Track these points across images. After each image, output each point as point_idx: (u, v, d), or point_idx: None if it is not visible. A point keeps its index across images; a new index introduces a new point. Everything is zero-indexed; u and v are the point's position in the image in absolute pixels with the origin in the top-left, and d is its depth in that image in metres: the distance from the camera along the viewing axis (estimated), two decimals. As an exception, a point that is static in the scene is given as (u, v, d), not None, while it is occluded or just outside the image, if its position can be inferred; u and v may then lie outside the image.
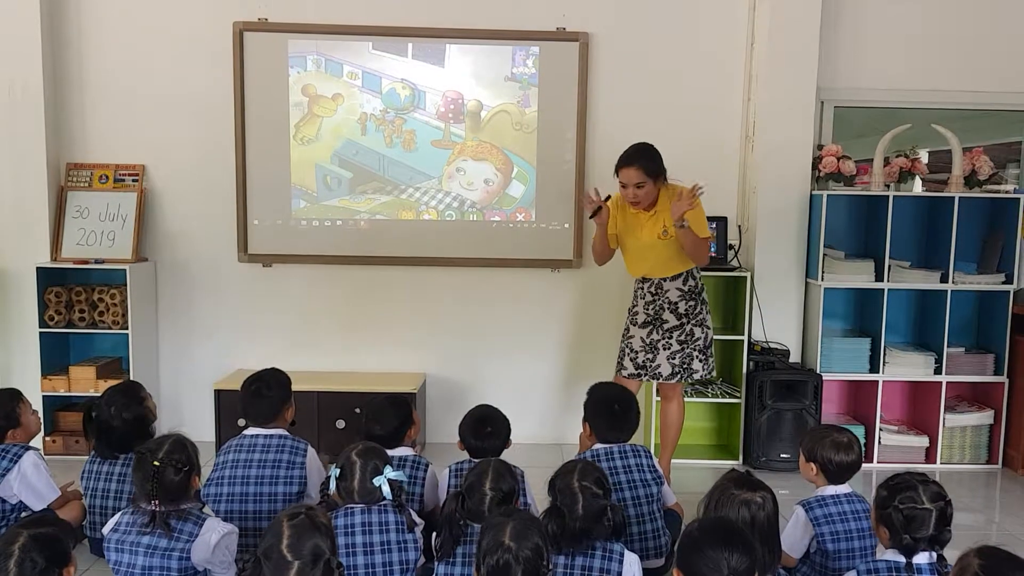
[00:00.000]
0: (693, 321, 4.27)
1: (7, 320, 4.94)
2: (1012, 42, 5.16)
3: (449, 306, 5.23)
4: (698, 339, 4.28)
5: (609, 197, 4.26)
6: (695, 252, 4.15)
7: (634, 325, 4.37)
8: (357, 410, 4.77)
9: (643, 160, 4.07)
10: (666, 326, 4.27)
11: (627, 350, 4.38)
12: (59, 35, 4.95)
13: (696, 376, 4.31)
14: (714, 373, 4.46)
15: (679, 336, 4.26)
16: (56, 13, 4.93)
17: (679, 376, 4.29)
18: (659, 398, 4.62)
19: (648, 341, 4.31)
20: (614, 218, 4.26)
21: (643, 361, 4.33)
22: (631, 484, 3.24)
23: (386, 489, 2.70)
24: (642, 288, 4.35)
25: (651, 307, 4.30)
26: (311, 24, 4.95)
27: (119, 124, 5.04)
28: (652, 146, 4.16)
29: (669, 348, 4.27)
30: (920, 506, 2.46)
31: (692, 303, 4.26)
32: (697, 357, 4.29)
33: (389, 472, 2.73)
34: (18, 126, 4.84)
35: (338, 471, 2.76)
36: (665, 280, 4.26)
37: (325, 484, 2.79)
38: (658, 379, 4.33)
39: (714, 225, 4.95)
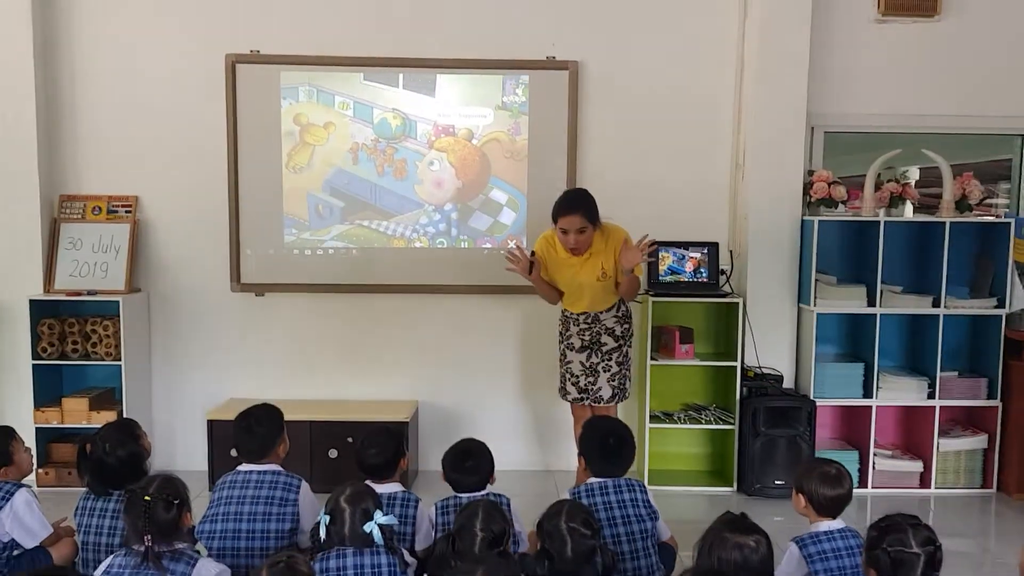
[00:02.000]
0: (627, 343, 4.48)
1: (0, 352, 4.93)
2: (999, 67, 5.19)
3: (441, 334, 5.24)
4: (630, 360, 4.52)
5: (533, 253, 4.45)
6: (629, 292, 4.43)
7: (571, 350, 4.52)
8: (350, 439, 4.77)
9: (585, 207, 4.25)
10: (605, 348, 4.44)
11: (567, 375, 4.54)
12: (52, 67, 4.97)
13: (627, 397, 4.52)
14: None
15: (618, 357, 4.45)
16: (49, 46, 4.95)
17: (617, 398, 4.47)
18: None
19: (588, 364, 4.47)
20: (544, 264, 4.44)
21: (585, 384, 4.48)
22: (625, 519, 3.21)
23: (377, 535, 2.69)
24: (575, 316, 4.51)
25: (586, 333, 4.47)
26: (303, 56, 4.98)
27: (112, 155, 5.05)
28: (588, 192, 4.37)
29: (609, 370, 4.44)
30: (908, 550, 2.45)
31: (626, 326, 4.49)
32: (628, 377, 4.51)
33: (380, 517, 2.72)
34: (11, 159, 4.86)
35: (328, 517, 2.75)
36: (601, 312, 4.45)
37: (316, 530, 2.77)
38: (599, 403, 4.45)
39: (705, 250, 5.00)
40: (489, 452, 3.43)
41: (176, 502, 2.79)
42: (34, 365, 4.83)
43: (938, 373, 4.88)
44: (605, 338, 4.42)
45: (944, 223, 4.82)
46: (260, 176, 5.04)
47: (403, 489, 3.42)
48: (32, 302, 4.81)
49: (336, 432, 4.80)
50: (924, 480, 4.97)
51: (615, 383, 4.43)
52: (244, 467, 3.39)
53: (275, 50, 4.98)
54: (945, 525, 4.57)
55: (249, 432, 3.41)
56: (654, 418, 4.97)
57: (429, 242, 5.13)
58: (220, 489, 3.34)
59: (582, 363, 4.47)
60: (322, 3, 5.00)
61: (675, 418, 5.02)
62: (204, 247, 5.11)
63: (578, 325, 4.48)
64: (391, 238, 5.12)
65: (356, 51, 4.99)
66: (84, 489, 3.48)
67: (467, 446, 3.44)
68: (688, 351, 4.94)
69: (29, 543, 3.37)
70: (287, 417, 3.58)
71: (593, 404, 4.47)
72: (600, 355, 4.43)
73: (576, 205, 4.25)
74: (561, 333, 4.58)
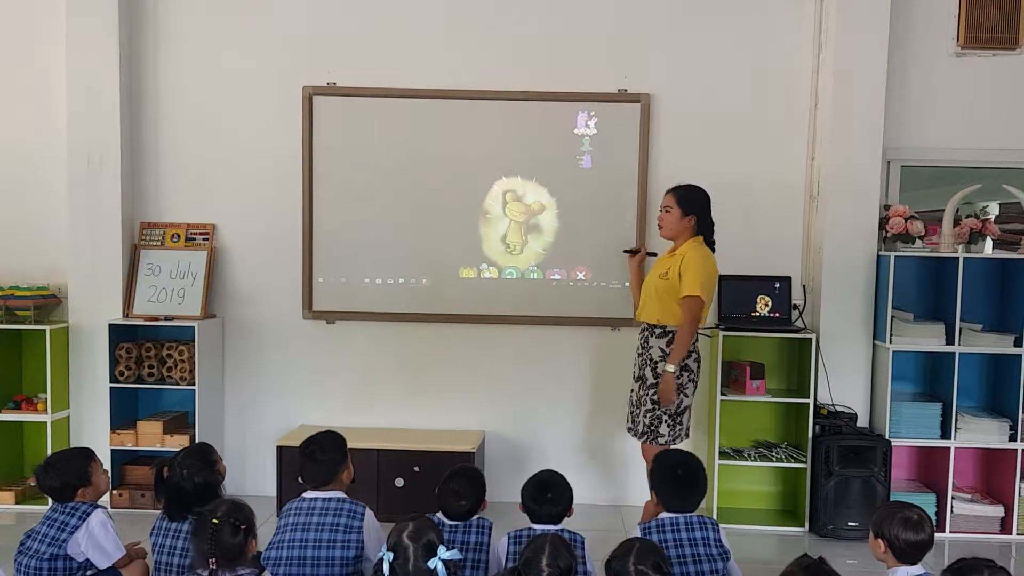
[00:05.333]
0: (676, 377, 4.27)
1: (80, 375, 5.07)
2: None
3: (508, 364, 5.24)
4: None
5: (655, 254, 4.57)
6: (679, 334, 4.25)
7: (633, 379, 4.50)
8: (416, 468, 4.79)
9: (680, 191, 4.39)
10: (646, 383, 4.35)
11: (629, 403, 4.52)
12: (137, 103, 5.14)
13: (661, 441, 4.31)
14: (679, 442, 4.35)
15: (653, 395, 4.31)
16: (134, 80, 5.13)
17: (646, 437, 4.34)
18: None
19: (636, 397, 4.43)
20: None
21: (632, 415, 4.45)
22: (695, 558, 3.15)
23: (442, 570, 2.67)
24: (638, 341, 4.47)
25: (638, 360, 4.43)
26: (378, 88, 5.07)
27: (192, 185, 5.19)
28: (699, 189, 4.40)
29: (644, 405, 4.35)
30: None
31: None
32: (666, 421, 4.31)
33: (443, 552, 2.70)
34: (96, 190, 5.02)
35: (391, 554, 2.73)
36: (652, 336, 4.35)
37: (379, 566, 2.76)
38: (635, 436, 4.41)
39: (777, 284, 4.92)
40: (568, 485, 3.40)
41: (243, 527, 2.82)
42: (111, 388, 4.95)
43: (1020, 414, 4.70)
44: (647, 372, 4.34)
45: (1027, 260, 4.68)
46: (333, 206, 5.13)
47: (477, 516, 3.41)
48: (111, 326, 4.95)
49: (402, 461, 4.83)
50: (1005, 525, 4.78)
51: (646, 420, 4.32)
52: (309, 494, 3.42)
53: (351, 82, 5.08)
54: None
55: (313, 459, 3.45)
56: (723, 455, 4.88)
57: (498, 273, 5.15)
58: (285, 516, 3.37)
59: (633, 391, 4.45)
60: (397, 37, 5.10)
61: (745, 455, 4.92)
62: (278, 275, 5.20)
63: (637, 351, 4.45)
64: (461, 268, 5.15)
65: (431, 83, 5.07)
66: (159, 510, 3.56)
67: (547, 477, 3.41)
68: (759, 387, 4.85)
69: (103, 564, 3.44)
70: (354, 445, 3.62)
71: (634, 436, 4.46)
72: (644, 388, 4.36)
73: (676, 187, 4.41)
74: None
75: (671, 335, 4.28)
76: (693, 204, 4.34)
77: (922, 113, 5.07)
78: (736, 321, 4.89)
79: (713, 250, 4.38)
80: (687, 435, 4.41)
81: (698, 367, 4.36)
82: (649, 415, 4.31)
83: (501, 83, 5.05)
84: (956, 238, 4.80)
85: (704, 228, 4.38)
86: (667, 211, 4.36)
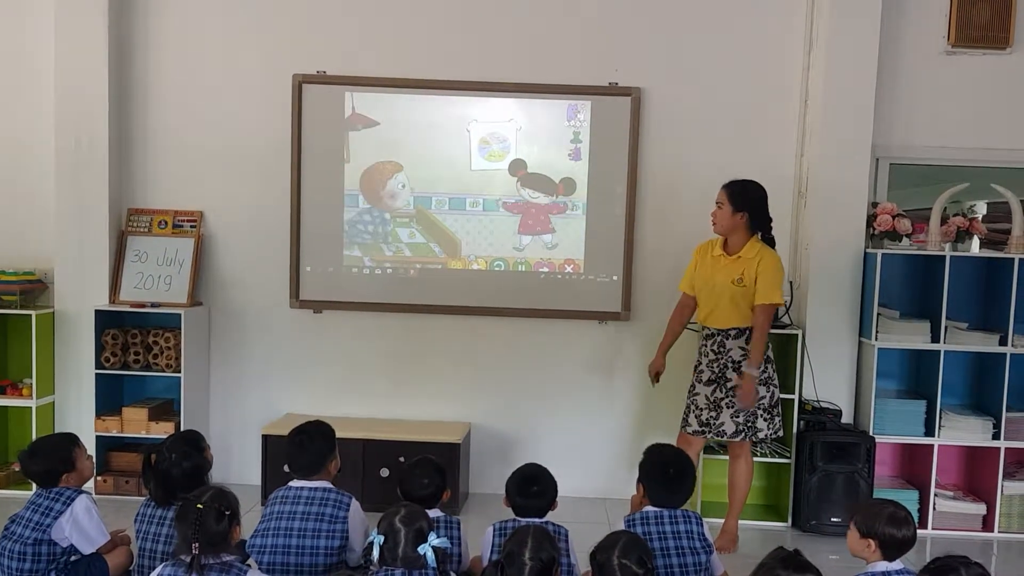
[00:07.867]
0: (757, 381, 4.29)
1: (65, 360, 5.05)
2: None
3: (496, 356, 5.24)
4: (762, 398, 4.33)
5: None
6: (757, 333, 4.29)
7: (699, 383, 4.45)
8: (402, 459, 4.79)
9: (732, 186, 4.35)
10: (729, 384, 4.34)
11: (692, 407, 4.47)
12: (125, 87, 5.11)
13: (761, 435, 4.37)
14: (781, 433, 4.45)
15: None
16: (123, 67, 5.09)
17: (743, 435, 4.35)
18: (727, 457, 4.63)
19: (712, 399, 4.38)
20: (694, 264, 4.49)
21: (707, 419, 4.39)
22: (679, 551, 3.17)
23: (430, 556, 2.68)
24: (705, 345, 4.45)
25: (715, 365, 4.38)
26: (368, 77, 5.05)
27: (180, 171, 5.17)
28: (754, 184, 4.36)
29: (732, 407, 4.33)
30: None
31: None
32: (762, 416, 4.34)
33: (433, 539, 2.72)
34: (84, 175, 4.99)
35: (382, 538, 2.74)
36: (728, 338, 4.33)
37: (368, 549, 2.78)
38: (722, 437, 4.40)
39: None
40: (553, 478, 3.41)
41: (227, 513, 2.82)
42: (97, 374, 4.93)
43: (1004, 413, 4.74)
44: (730, 373, 4.33)
45: (1013, 259, 4.70)
46: (322, 195, 5.11)
47: (443, 514, 3.41)
48: (98, 312, 4.93)
49: (388, 451, 4.83)
50: (987, 523, 4.82)
51: (739, 419, 4.33)
52: (295, 483, 3.42)
53: (341, 71, 5.06)
54: (1009, 570, 4.44)
55: (301, 448, 3.45)
56: (708, 449, 4.89)
57: (487, 265, 5.15)
58: (271, 504, 3.38)
59: (707, 396, 4.39)
60: (387, 27, 5.08)
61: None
62: (265, 263, 5.18)
63: (707, 356, 4.41)
64: (449, 259, 5.15)
65: (421, 73, 5.05)
66: (143, 497, 3.56)
67: (532, 471, 3.42)
68: (745, 382, 4.86)
69: (87, 549, 3.44)
70: (340, 434, 3.62)
71: (717, 438, 4.46)
72: (724, 390, 4.35)
73: (729, 182, 4.36)
74: (695, 366, 4.51)
75: (747, 333, 4.31)
76: (744, 200, 4.31)
77: (912, 111, 5.08)
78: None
79: (773, 246, 4.40)
80: (782, 428, 4.46)
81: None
82: (743, 413, 4.33)
83: (492, 75, 5.04)
84: (943, 236, 4.82)
85: (759, 224, 4.37)
86: (719, 207, 4.34)
